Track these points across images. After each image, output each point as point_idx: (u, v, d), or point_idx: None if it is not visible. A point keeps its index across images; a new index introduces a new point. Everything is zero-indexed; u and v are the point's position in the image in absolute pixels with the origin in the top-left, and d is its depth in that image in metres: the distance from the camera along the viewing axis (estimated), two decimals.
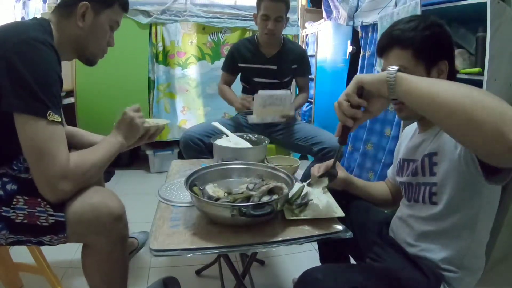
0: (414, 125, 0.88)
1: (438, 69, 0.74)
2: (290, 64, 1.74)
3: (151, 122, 1.09)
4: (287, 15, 1.66)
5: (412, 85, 0.56)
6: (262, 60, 1.72)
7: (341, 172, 0.91)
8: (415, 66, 0.73)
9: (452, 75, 0.76)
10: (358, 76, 0.66)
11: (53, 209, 0.74)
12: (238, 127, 1.68)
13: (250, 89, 1.78)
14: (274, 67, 1.72)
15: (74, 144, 1.10)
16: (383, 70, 0.78)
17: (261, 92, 1.47)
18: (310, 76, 2.08)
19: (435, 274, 0.69)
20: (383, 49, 0.79)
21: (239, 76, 1.87)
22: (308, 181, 0.88)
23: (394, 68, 0.59)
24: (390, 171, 1.00)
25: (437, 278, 0.69)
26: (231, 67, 1.80)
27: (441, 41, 0.75)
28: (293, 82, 1.91)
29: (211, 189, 0.84)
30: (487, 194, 0.68)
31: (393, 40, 0.77)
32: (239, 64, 1.75)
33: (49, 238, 0.77)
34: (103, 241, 0.79)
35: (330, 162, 0.89)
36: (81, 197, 0.77)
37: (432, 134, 0.77)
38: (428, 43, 0.73)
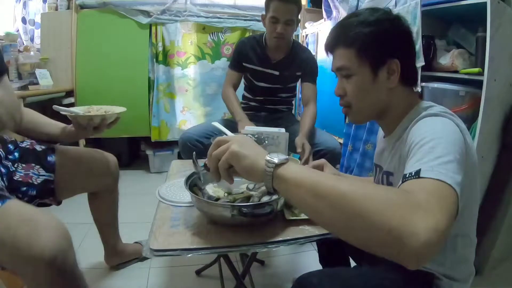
0: None
1: (388, 68, 0.66)
2: (295, 71, 1.67)
3: (96, 109, 0.97)
4: (298, 17, 1.57)
5: (291, 183, 0.50)
6: (266, 64, 1.64)
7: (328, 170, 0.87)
8: (358, 66, 0.67)
9: (408, 74, 0.68)
10: (236, 152, 0.55)
11: None
12: (237, 127, 1.67)
13: (251, 89, 1.76)
14: (277, 73, 1.65)
15: (28, 133, 1.02)
16: (332, 70, 0.74)
17: (248, 128, 1.32)
18: None
19: (426, 277, 0.68)
20: (329, 48, 0.73)
21: None
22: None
23: (274, 160, 0.52)
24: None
25: (428, 282, 0.68)
26: (238, 65, 1.70)
27: (389, 38, 0.66)
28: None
29: (211, 189, 0.84)
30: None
31: (337, 38, 0.70)
32: (243, 63, 1.68)
33: None
34: (33, 286, 0.65)
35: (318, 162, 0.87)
36: (7, 221, 0.63)
37: (391, 143, 0.72)
38: (372, 41, 0.65)
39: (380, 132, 0.88)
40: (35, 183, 0.97)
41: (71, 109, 0.97)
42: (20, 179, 0.95)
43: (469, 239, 0.69)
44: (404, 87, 0.69)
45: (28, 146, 1.02)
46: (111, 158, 1.20)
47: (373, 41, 0.65)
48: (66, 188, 1.05)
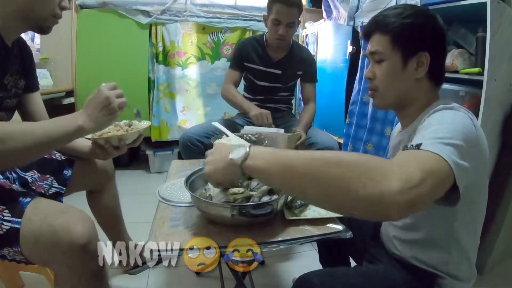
0: None
1: (417, 60, 0.70)
2: (296, 70, 1.70)
3: (123, 124, 0.90)
4: (299, 19, 1.58)
5: (260, 169, 0.54)
6: (268, 63, 1.66)
7: None
8: (391, 52, 0.71)
9: (436, 71, 0.71)
10: (205, 173, 0.65)
11: (11, 213, 0.68)
12: (237, 128, 1.67)
13: (252, 89, 1.77)
14: (279, 71, 1.67)
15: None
16: (364, 55, 0.78)
17: (247, 129, 1.33)
18: None
19: (428, 277, 0.68)
20: (367, 33, 0.77)
21: None
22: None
23: (237, 157, 0.57)
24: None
25: (430, 281, 0.68)
26: (238, 65, 1.71)
27: (423, 32, 0.70)
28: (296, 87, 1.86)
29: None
30: (462, 210, 0.63)
31: (375, 25, 0.74)
32: (244, 63, 1.69)
33: (7, 251, 0.69)
34: (66, 273, 0.70)
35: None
36: (43, 214, 0.69)
37: (406, 135, 0.74)
38: (407, 31, 0.69)
39: (397, 128, 0.90)
40: (47, 194, 0.98)
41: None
42: (34, 187, 0.96)
43: (474, 239, 0.70)
44: (429, 83, 0.72)
45: (46, 156, 1.01)
46: None
47: (408, 32, 0.69)
48: (67, 189, 1.05)
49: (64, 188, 1.02)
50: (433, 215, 0.66)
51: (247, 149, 0.57)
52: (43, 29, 0.84)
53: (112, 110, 0.75)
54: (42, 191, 0.97)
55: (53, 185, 1.00)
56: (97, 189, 1.20)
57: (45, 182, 0.99)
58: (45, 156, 1.01)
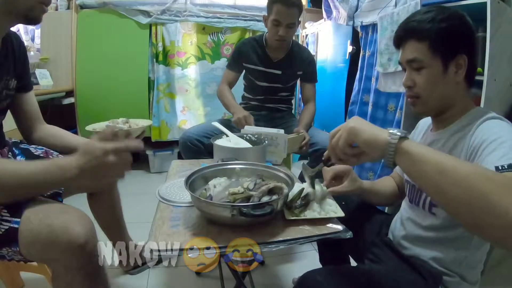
0: (429, 119, 0.85)
1: (456, 63, 0.69)
2: (296, 70, 1.70)
3: (120, 121, 0.96)
4: (299, 19, 1.58)
5: (416, 158, 0.52)
6: (268, 64, 1.66)
7: (351, 184, 0.88)
8: (431, 59, 0.70)
9: (472, 72, 0.72)
10: (354, 127, 0.59)
11: (10, 213, 0.68)
12: (236, 128, 1.67)
13: (252, 89, 1.77)
14: (279, 72, 1.66)
15: (50, 143, 1.04)
16: (400, 62, 0.76)
17: (247, 129, 1.32)
18: None
19: (434, 276, 0.69)
20: (399, 40, 0.76)
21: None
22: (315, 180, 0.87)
23: (397, 133, 0.54)
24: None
25: (436, 281, 0.69)
26: (236, 65, 1.71)
27: (460, 34, 0.70)
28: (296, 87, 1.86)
29: (216, 180, 0.85)
30: None
31: (409, 32, 0.73)
32: (244, 64, 1.69)
33: (6, 251, 0.69)
34: (62, 272, 0.69)
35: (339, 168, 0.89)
36: (42, 213, 0.68)
37: (444, 137, 0.74)
38: (445, 36, 0.69)
39: (421, 124, 0.90)
40: (45, 194, 0.94)
41: (95, 125, 0.97)
42: None
43: (487, 246, 0.71)
44: (465, 85, 0.73)
45: (42, 155, 1.00)
46: None
47: (446, 36, 0.69)
48: (67, 189, 1.04)
49: (63, 188, 1.00)
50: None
51: (404, 133, 0.54)
52: (32, 19, 0.79)
53: (108, 173, 0.66)
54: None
55: None
56: (98, 192, 1.19)
57: None
58: (42, 155, 1.00)
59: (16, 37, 0.91)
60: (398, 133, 0.54)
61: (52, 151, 1.03)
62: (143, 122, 1.00)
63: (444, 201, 0.49)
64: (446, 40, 0.69)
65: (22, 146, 1.00)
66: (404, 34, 0.74)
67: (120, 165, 0.65)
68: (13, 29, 0.93)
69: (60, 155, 1.04)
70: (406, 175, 0.54)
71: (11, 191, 0.65)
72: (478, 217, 0.45)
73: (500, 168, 0.53)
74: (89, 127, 0.95)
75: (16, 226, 0.67)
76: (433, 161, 0.49)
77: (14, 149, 0.98)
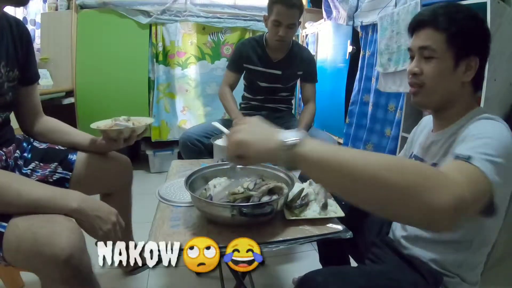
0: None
1: (467, 63, 0.68)
2: (296, 70, 1.69)
3: (122, 119, 0.98)
4: (300, 19, 1.58)
5: (315, 163, 0.48)
6: (268, 64, 1.65)
7: None
8: (444, 51, 0.68)
9: (479, 77, 0.71)
10: (241, 140, 0.53)
11: None
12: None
13: (252, 89, 1.76)
14: (279, 72, 1.66)
15: (53, 140, 1.03)
16: (409, 49, 0.74)
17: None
18: None
19: (435, 276, 0.69)
20: (416, 25, 0.73)
21: None
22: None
23: (289, 140, 0.49)
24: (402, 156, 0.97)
25: (437, 281, 0.68)
26: (237, 66, 1.70)
27: (479, 37, 0.68)
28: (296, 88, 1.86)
29: (216, 180, 0.84)
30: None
31: (430, 18, 0.70)
32: (244, 64, 1.69)
33: None
34: (48, 282, 0.67)
35: None
36: (30, 221, 0.65)
37: (443, 138, 0.73)
38: (466, 33, 0.67)
39: (424, 121, 0.89)
40: (50, 180, 0.95)
41: (98, 123, 0.97)
42: (37, 179, 0.93)
43: (487, 248, 0.71)
44: (471, 88, 0.72)
45: (45, 147, 1.00)
46: (126, 159, 1.17)
47: (466, 34, 0.67)
48: (80, 188, 1.02)
49: (70, 173, 0.97)
50: (465, 225, 0.67)
51: (300, 136, 0.50)
52: (19, 1, 0.77)
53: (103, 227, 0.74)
54: (46, 179, 0.94)
55: (57, 171, 0.97)
56: (113, 193, 1.16)
57: (47, 169, 0.96)
58: (45, 147, 0.99)
59: (18, 23, 0.87)
60: (290, 140, 0.49)
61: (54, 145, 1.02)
62: (145, 120, 1.03)
63: (358, 202, 0.48)
64: (465, 38, 0.67)
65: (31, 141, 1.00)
66: (425, 20, 0.71)
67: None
68: None
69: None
70: (312, 178, 0.53)
71: (7, 209, 0.66)
72: (397, 213, 0.46)
73: (458, 156, 0.53)
74: (93, 125, 0.97)
75: (2, 230, 0.65)
76: (335, 163, 0.46)
77: (24, 143, 0.97)
